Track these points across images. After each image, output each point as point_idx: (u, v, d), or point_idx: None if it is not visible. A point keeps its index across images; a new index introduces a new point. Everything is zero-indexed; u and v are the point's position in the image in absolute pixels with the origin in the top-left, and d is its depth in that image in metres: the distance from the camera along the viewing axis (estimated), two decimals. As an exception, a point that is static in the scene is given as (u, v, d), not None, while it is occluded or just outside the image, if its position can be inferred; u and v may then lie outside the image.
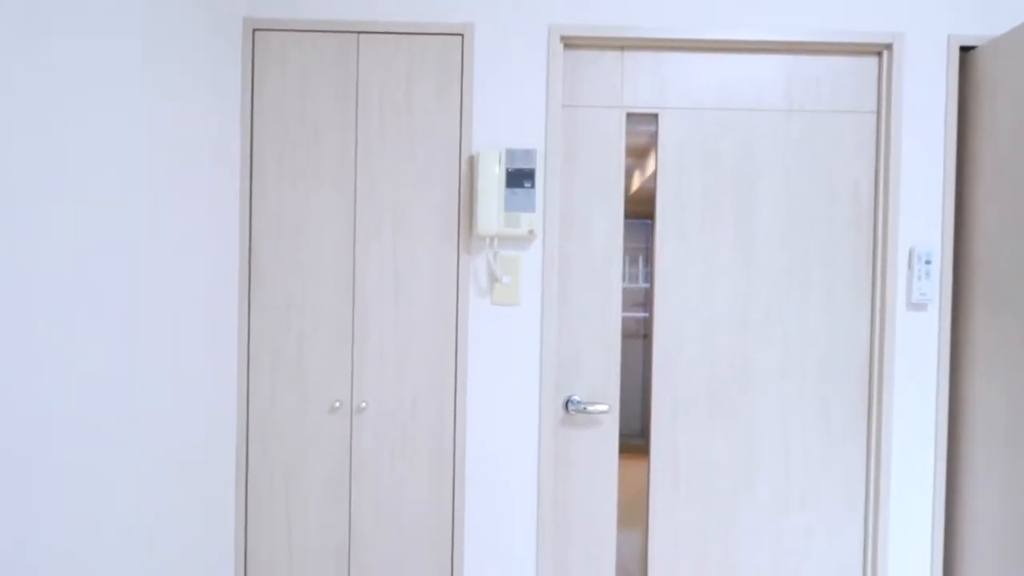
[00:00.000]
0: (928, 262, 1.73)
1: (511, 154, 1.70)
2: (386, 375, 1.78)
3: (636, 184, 1.83)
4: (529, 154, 1.70)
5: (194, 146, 1.52)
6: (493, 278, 1.76)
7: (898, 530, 1.77)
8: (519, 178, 1.70)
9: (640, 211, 1.82)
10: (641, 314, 1.82)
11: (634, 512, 1.83)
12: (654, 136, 1.81)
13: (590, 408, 1.77)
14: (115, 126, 1.23)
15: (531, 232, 1.71)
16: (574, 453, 1.82)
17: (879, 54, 1.78)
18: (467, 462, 1.78)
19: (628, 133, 1.81)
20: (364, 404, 1.77)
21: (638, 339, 1.83)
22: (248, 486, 1.79)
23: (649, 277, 1.81)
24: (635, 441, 1.83)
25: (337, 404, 1.78)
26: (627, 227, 1.82)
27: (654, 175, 1.81)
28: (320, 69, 1.76)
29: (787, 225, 1.80)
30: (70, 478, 1.12)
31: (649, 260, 1.81)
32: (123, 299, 1.26)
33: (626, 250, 1.82)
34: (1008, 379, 1.59)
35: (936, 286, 1.75)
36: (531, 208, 1.70)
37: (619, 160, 1.80)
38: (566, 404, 1.81)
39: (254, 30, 1.77)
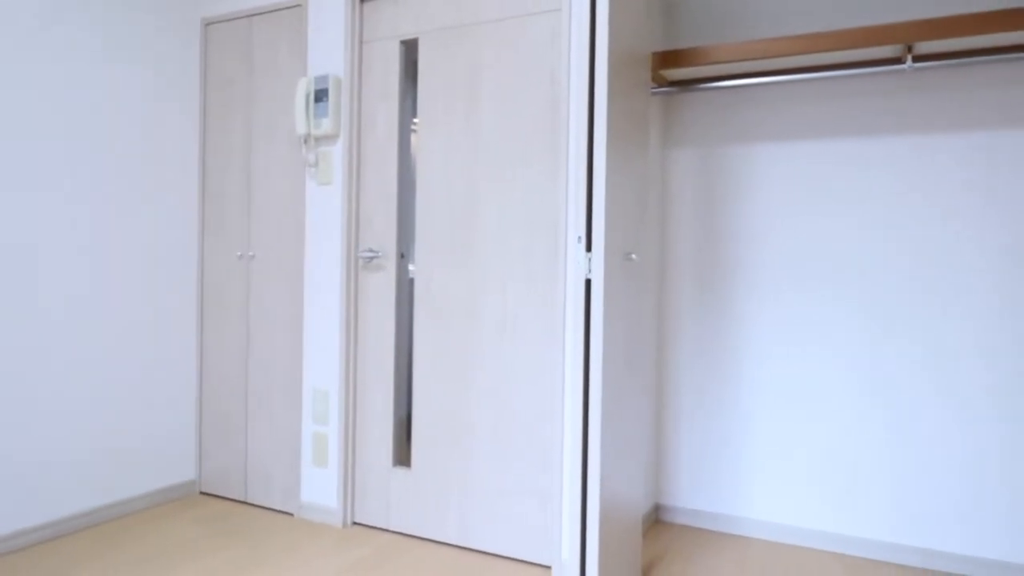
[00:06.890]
0: (591, 127, 2.12)
1: (316, 80, 2.54)
2: (270, 231, 2.74)
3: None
4: (323, 79, 2.53)
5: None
6: (315, 166, 2.61)
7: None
8: (320, 95, 2.53)
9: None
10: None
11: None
12: (416, 55, 2.48)
13: (379, 255, 2.52)
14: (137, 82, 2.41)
15: (328, 131, 2.52)
16: (367, 289, 2.58)
17: (565, -35, 2.21)
18: (305, 290, 2.66)
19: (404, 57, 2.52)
20: (252, 254, 2.77)
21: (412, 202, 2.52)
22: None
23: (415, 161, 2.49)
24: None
25: (239, 254, 2.80)
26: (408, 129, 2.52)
27: (415, 81, 2.48)
28: (232, 44, 2.80)
29: (504, 111, 2.32)
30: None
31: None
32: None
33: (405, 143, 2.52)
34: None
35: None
36: (326, 115, 2.52)
37: (396, 76, 2.51)
38: (361, 253, 2.57)
39: (205, 24, 2.88)
